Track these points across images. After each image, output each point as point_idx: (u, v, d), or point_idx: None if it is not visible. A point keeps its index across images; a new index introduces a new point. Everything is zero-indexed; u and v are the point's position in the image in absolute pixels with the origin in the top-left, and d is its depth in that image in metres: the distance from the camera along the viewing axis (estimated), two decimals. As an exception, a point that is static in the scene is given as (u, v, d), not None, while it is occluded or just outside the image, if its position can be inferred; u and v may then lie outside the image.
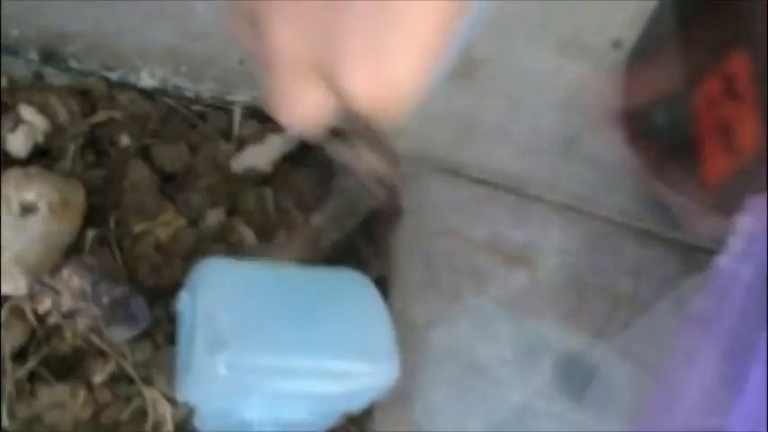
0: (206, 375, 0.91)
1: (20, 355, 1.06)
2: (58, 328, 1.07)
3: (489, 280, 1.29)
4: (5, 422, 1.02)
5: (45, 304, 1.05)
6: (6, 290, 1.05)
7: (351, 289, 1.01)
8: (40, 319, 1.06)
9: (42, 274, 1.04)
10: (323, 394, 0.95)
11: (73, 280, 1.03)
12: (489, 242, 1.30)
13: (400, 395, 1.07)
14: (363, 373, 0.94)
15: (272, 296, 0.95)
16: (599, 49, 1.54)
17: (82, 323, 1.05)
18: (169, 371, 1.06)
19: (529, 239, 1.33)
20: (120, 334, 1.05)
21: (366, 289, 1.00)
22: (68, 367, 1.07)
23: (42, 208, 1.08)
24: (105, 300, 1.04)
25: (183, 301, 1.01)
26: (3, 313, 1.04)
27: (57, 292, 1.04)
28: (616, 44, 1.54)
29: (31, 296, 1.05)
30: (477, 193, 1.35)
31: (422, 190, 1.30)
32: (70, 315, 1.05)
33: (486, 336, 1.24)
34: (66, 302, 1.04)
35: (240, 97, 1.26)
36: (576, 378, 1.24)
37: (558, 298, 1.30)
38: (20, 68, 1.24)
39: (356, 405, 1.02)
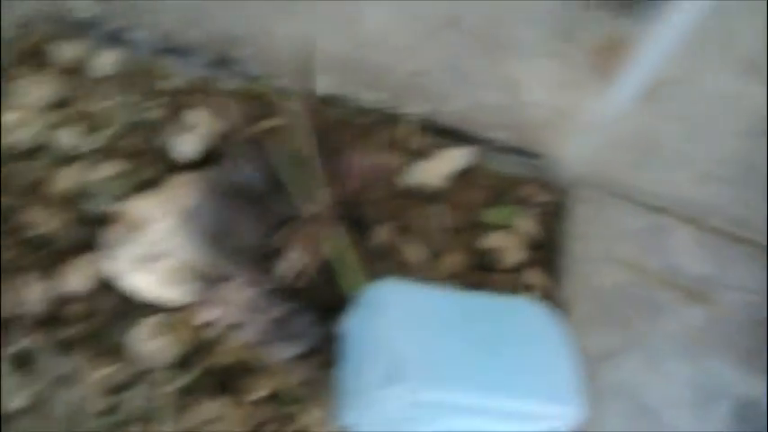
0: (379, 405, 0.85)
1: (180, 366, 1.01)
2: (220, 340, 1.02)
3: (664, 315, 1.21)
4: (161, 435, 0.98)
5: (210, 315, 1.01)
6: (170, 297, 1.00)
7: (534, 320, 0.94)
8: (203, 329, 1.02)
9: (210, 284, 0.99)
10: (498, 434, 0.87)
11: (241, 292, 0.99)
12: (665, 275, 1.22)
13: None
14: (550, 416, 0.87)
15: (453, 325, 0.89)
16: (789, 73, 1.44)
17: (245, 337, 1.00)
18: (334, 392, 1.00)
19: (708, 274, 1.25)
20: (283, 351, 1.01)
21: (549, 321, 0.93)
22: (229, 381, 1.02)
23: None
24: (271, 315, 1.00)
25: (355, 322, 0.96)
26: (164, 322, 1.00)
27: (222, 304, 1.00)
28: (808, 68, 1.43)
29: (196, 306, 1.01)
30: (655, 221, 1.27)
31: (596, 215, 1.23)
32: (234, 328, 1.00)
33: (659, 375, 1.17)
34: (232, 315, 1.00)
35: (414, 109, 1.20)
36: (755, 425, 1.14)
37: (737, 338, 1.21)
38: (190, 71, 1.21)
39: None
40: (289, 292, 1.02)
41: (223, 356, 1.03)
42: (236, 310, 0.99)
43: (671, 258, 1.25)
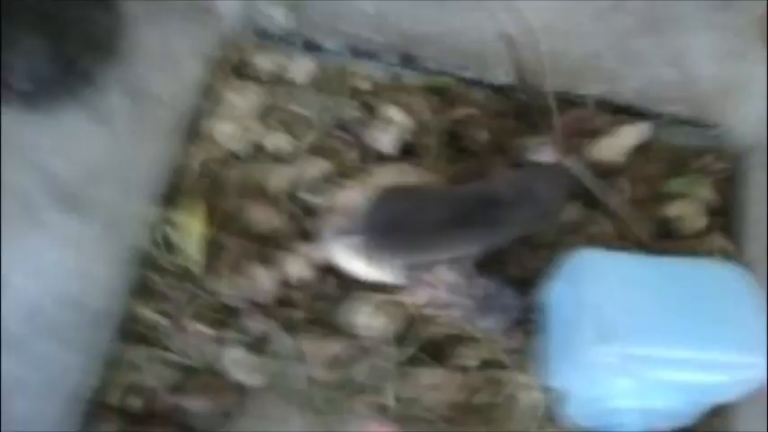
0: (593, 364, 0.95)
1: (398, 341, 1.13)
2: (432, 318, 1.13)
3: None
4: (392, 402, 1.08)
5: (421, 297, 1.11)
6: (386, 280, 1.13)
7: (726, 279, 1.02)
8: (417, 308, 1.12)
9: (418, 270, 1.10)
10: (700, 384, 0.97)
11: (448, 276, 1.09)
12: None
13: (762, 394, 1.04)
14: (746, 365, 0.95)
15: (653, 288, 0.98)
16: None
17: (455, 314, 1.11)
18: (538, 358, 1.10)
19: None
20: (494, 323, 1.11)
21: (741, 279, 1.01)
22: (442, 353, 1.13)
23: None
24: (479, 293, 1.10)
25: (557, 291, 1.05)
26: (381, 302, 1.11)
27: (433, 287, 1.09)
28: None
29: (408, 289, 1.11)
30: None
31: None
32: (446, 307, 1.12)
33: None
34: (442, 296, 1.10)
35: (592, 90, 1.27)
36: None
37: None
38: (379, 72, 1.33)
39: (728, 397, 1.02)
40: (489, 269, 1.12)
41: (436, 331, 1.12)
42: (444, 293, 1.09)
43: None
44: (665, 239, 1.21)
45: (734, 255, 1.21)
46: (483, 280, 1.11)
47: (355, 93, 1.29)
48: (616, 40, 1.33)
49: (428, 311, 1.12)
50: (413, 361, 1.12)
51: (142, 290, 1.16)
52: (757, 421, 1.09)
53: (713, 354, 0.96)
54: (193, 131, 1.25)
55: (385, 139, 1.21)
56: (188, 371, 1.12)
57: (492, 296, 1.09)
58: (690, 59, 1.32)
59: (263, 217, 1.19)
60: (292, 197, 1.21)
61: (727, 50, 1.35)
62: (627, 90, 1.29)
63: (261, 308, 1.14)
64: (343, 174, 1.22)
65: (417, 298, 1.11)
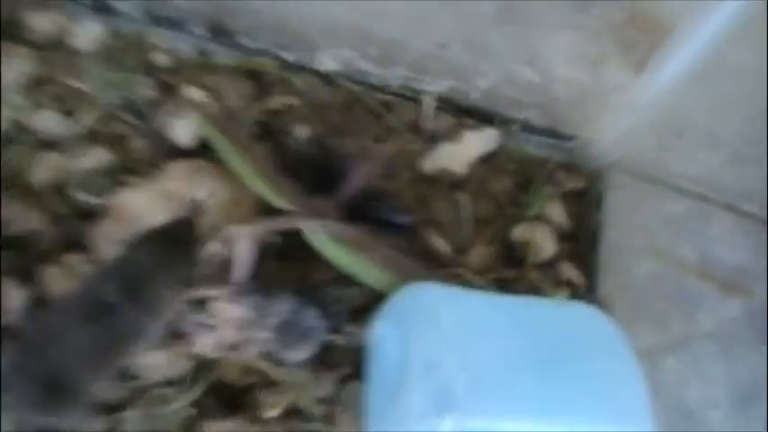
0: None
1: (182, 382, 0.93)
2: (221, 359, 0.93)
3: (700, 309, 1.13)
4: (167, 457, 0.87)
5: (204, 343, 0.90)
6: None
7: (592, 329, 0.84)
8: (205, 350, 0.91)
9: (193, 313, 0.91)
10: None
11: (230, 310, 0.89)
12: (702, 265, 1.14)
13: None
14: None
15: (506, 338, 0.78)
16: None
17: (252, 352, 0.91)
18: (355, 409, 0.92)
19: (743, 263, 1.16)
20: (297, 354, 0.92)
21: (608, 329, 0.83)
22: (239, 398, 0.93)
23: (211, 208, 0.95)
24: (273, 321, 0.91)
25: (381, 333, 0.86)
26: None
27: (214, 329, 0.89)
28: (843, 39, 1.36)
29: (185, 337, 0.91)
30: (689, 207, 1.19)
31: (630, 202, 1.16)
32: (236, 347, 0.92)
33: (696, 374, 1.09)
34: (228, 336, 0.90)
35: (434, 86, 1.09)
36: (795, 424, 1.04)
37: (775, 331, 1.10)
38: (184, 45, 1.11)
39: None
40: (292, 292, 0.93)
41: (228, 372, 0.93)
42: (230, 332, 0.90)
43: (707, 247, 1.17)
44: (513, 266, 1.06)
45: (587, 286, 1.07)
46: (277, 304, 0.91)
47: (151, 69, 1.07)
48: (466, 31, 1.16)
49: (215, 352, 0.90)
50: (201, 407, 0.91)
51: None
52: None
53: (584, 426, 0.77)
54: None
55: (183, 128, 0.99)
56: None
57: (289, 322, 0.91)
58: (547, 60, 1.17)
59: (20, 216, 0.95)
60: (60, 194, 0.98)
61: (588, 55, 1.21)
62: (475, 89, 1.11)
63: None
64: (127, 168, 1.00)
65: (198, 345, 0.90)
